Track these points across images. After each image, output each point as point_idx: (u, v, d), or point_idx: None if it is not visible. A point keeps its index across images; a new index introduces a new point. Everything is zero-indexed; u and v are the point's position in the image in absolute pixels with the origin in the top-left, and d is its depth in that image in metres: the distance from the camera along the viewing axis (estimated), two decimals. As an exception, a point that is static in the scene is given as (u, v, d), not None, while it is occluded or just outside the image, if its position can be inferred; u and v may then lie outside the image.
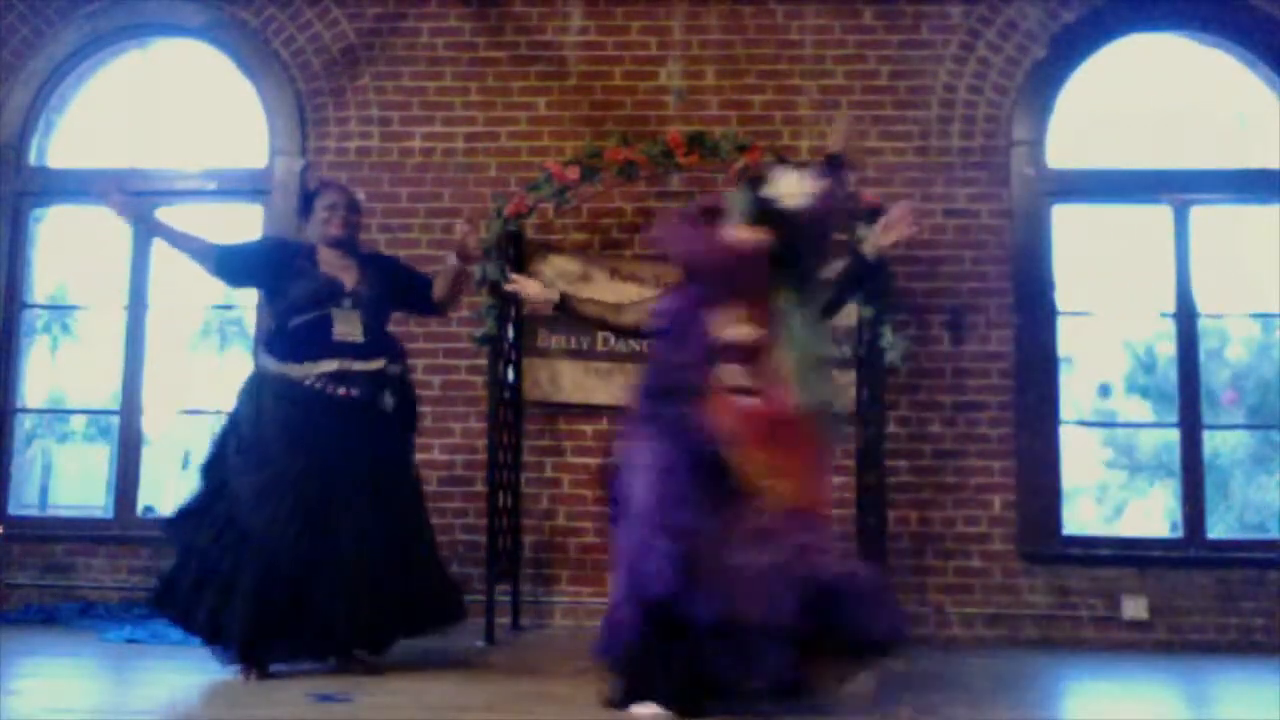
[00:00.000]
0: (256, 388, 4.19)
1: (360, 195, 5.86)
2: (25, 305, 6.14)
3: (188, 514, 4.13)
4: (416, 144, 5.97)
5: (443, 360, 5.81)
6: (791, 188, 3.73)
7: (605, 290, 5.57)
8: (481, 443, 5.46)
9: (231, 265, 4.36)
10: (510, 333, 5.36)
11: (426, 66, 6.01)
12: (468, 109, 5.97)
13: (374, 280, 4.34)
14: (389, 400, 4.23)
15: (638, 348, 5.40)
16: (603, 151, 5.16)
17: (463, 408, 5.76)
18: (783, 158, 5.18)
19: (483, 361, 5.46)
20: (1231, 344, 8.45)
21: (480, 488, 5.44)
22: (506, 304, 5.29)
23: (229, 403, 4.30)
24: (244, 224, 6.03)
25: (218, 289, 5.72)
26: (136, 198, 4.46)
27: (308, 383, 4.12)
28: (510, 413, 5.41)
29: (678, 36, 5.95)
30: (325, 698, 3.53)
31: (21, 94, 6.10)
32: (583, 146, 5.43)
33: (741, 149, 5.07)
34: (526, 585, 5.56)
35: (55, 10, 6.13)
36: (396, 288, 4.44)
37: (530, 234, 5.61)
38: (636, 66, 5.94)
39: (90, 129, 6.28)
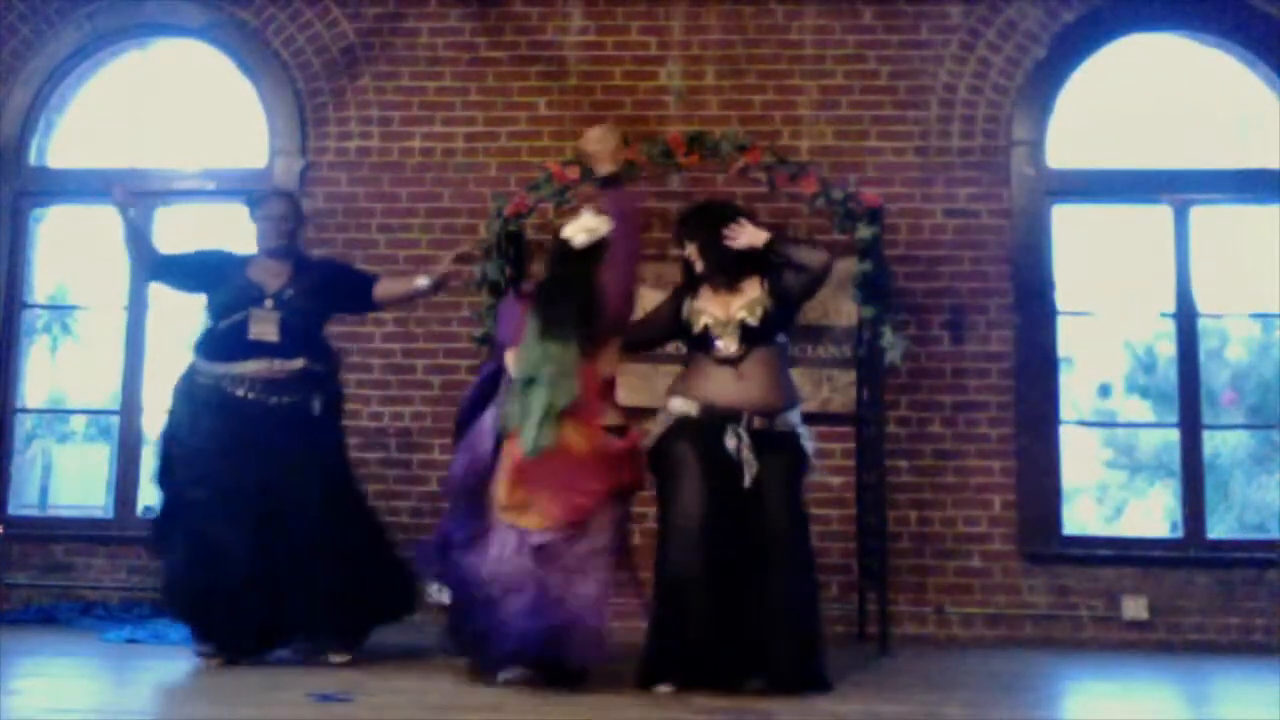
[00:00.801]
0: (189, 393, 4.36)
1: (360, 195, 5.93)
2: (25, 305, 6.14)
3: (162, 527, 4.36)
4: (416, 144, 5.97)
5: (443, 360, 5.81)
6: (579, 226, 3.98)
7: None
8: (481, 443, 5.45)
9: (167, 268, 4.57)
10: (510, 333, 5.35)
11: (426, 66, 6.01)
12: (468, 109, 5.97)
13: (306, 285, 4.46)
14: (317, 404, 4.39)
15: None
16: (603, 151, 5.14)
17: (463, 408, 5.76)
18: (784, 159, 5.19)
19: (483, 361, 5.45)
20: (1231, 344, 8.44)
21: (480, 488, 5.43)
22: (506, 304, 5.29)
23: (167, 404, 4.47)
24: (244, 224, 6.02)
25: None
26: (137, 197, 4.64)
27: (239, 392, 4.28)
28: (510, 413, 5.40)
29: (678, 36, 5.95)
30: (325, 697, 3.53)
31: (21, 94, 6.10)
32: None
33: (741, 149, 5.07)
34: (526, 585, 5.55)
35: (55, 10, 6.13)
36: (334, 289, 4.56)
37: (530, 234, 5.61)
38: (636, 66, 5.94)
39: (90, 129, 6.28)
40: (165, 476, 4.35)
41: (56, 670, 4.24)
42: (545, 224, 5.64)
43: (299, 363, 4.34)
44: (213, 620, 4.20)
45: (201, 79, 6.27)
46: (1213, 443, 6.66)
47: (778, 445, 3.86)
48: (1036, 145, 5.80)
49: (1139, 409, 8.42)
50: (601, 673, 3.97)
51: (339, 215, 5.94)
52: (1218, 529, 6.77)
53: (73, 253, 7.13)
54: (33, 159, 6.16)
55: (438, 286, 4.60)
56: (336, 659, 4.26)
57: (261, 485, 4.21)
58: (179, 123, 6.30)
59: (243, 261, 4.51)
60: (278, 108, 6.03)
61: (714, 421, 3.84)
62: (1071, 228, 5.95)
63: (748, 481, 3.78)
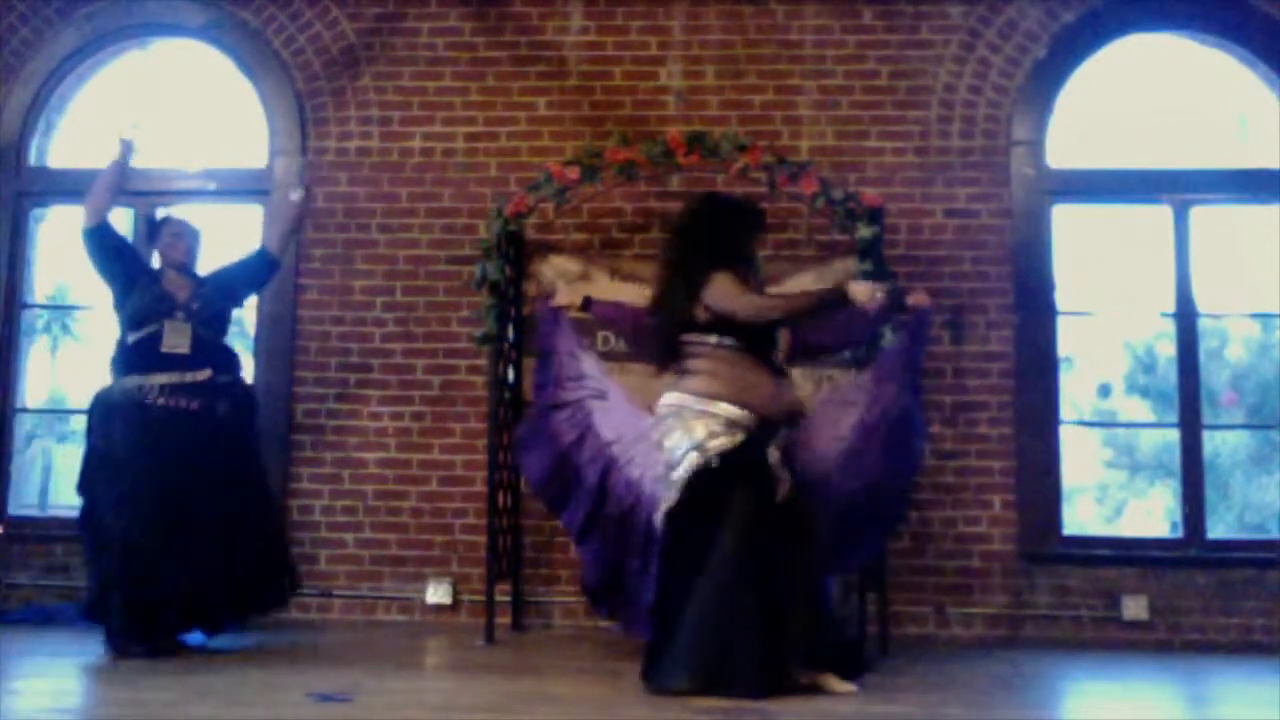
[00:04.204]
0: (105, 411, 4.64)
1: (360, 195, 5.93)
2: (25, 305, 6.14)
3: (83, 534, 4.67)
4: (416, 144, 5.97)
5: (443, 360, 5.81)
6: None
7: (605, 290, 5.58)
8: (481, 443, 5.46)
9: (108, 237, 4.78)
10: (510, 333, 5.36)
11: (426, 66, 6.01)
12: (468, 109, 5.97)
13: (210, 295, 4.79)
14: (222, 408, 4.69)
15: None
16: (603, 151, 5.16)
17: (463, 408, 5.77)
18: (784, 159, 5.19)
19: (483, 361, 5.46)
20: (1231, 344, 8.44)
21: (480, 488, 5.44)
22: (506, 304, 5.30)
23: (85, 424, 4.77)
24: (244, 224, 6.04)
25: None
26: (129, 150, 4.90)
27: (149, 400, 4.57)
28: (510, 413, 5.41)
29: (678, 36, 5.95)
30: (325, 698, 3.53)
31: (21, 94, 6.10)
32: (583, 146, 5.43)
33: (741, 149, 5.07)
34: (526, 585, 5.57)
35: (55, 10, 6.13)
36: (235, 282, 4.96)
37: (530, 234, 5.61)
38: (636, 66, 5.94)
39: (90, 129, 6.28)
40: (83, 488, 4.65)
41: (56, 670, 4.24)
42: (545, 224, 5.65)
43: (205, 373, 4.67)
44: (132, 620, 4.42)
45: (201, 79, 6.27)
46: (1213, 443, 6.68)
47: (791, 449, 3.91)
48: (1036, 145, 5.80)
49: (1139, 409, 8.44)
50: (601, 672, 3.98)
51: (339, 215, 5.94)
52: (1218, 529, 6.78)
53: (73, 253, 7.13)
54: (33, 159, 6.16)
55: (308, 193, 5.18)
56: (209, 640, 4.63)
57: (172, 486, 4.48)
58: (179, 123, 6.30)
59: (156, 273, 4.79)
60: (278, 108, 6.03)
61: (763, 435, 3.80)
62: (1071, 228, 5.95)
63: (781, 495, 3.79)
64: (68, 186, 6.16)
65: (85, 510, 4.63)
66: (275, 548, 4.88)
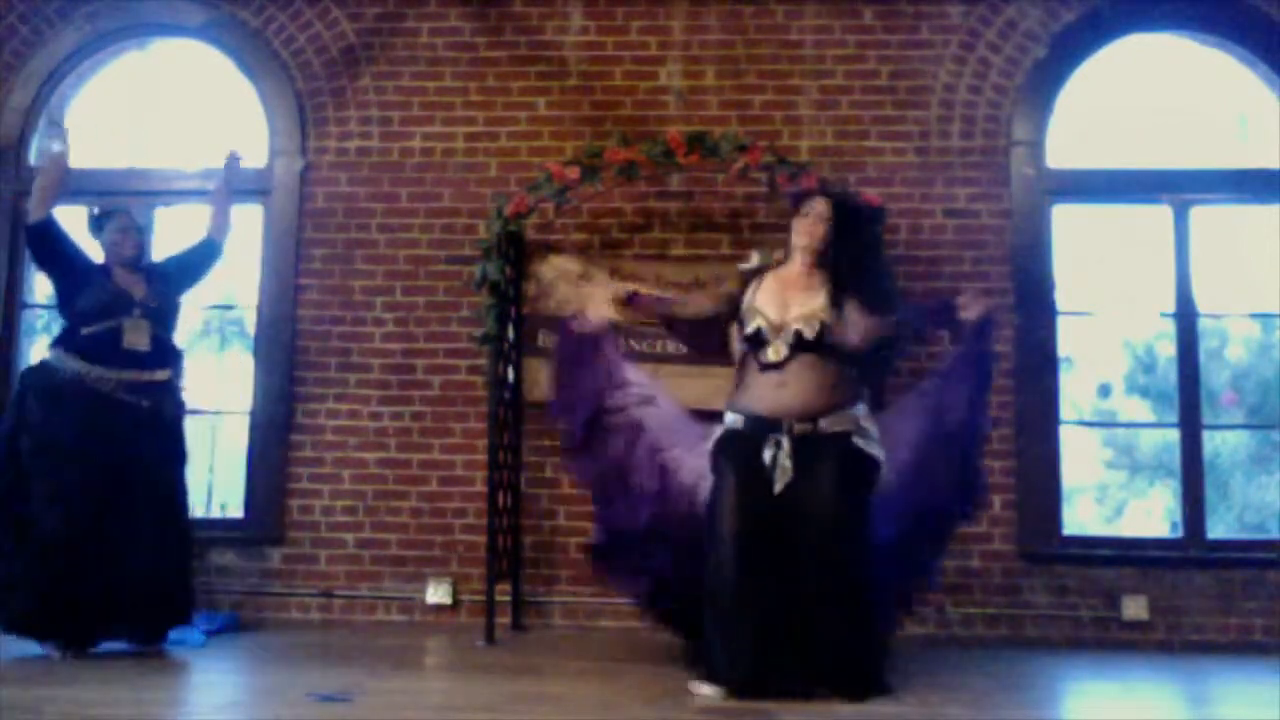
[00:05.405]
0: (49, 386, 4.53)
1: (360, 195, 5.93)
2: (25, 305, 6.14)
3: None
4: (416, 144, 5.97)
5: (443, 360, 5.81)
6: None
7: (606, 290, 5.58)
8: (481, 443, 5.47)
9: (54, 234, 4.68)
10: (510, 333, 5.36)
11: (426, 66, 6.01)
12: (468, 109, 5.97)
13: (161, 290, 4.75)
14: (170, 410, 4.69)
15: (639, 348, 5.40)
16: (603, 151, 5.16)
17: (463, 408, 5.76)
18: (784, 159, 5.19)
19: (483, 361, 5.46)
20: (1231, 344, 8.43)
21: (480, 488, 5.44)
22: (506, 304, 5.30)
23: (13, 394, 4.68)
24: (244, 224, 6.01)
25: (217, 289, 5.74)
26: (61, 147, 4.86)
27: (104, 388, 4.51)
28: (510, 413, 5.41)
29: (678, 36, 5.95)
30: (325, 698, 3.53)
31: (21, 94, 6.10)
32: (583, 146, 5.44)
33: (741, 149, 5.07)
34: (526, 585, 5.57)
35: (55, 10, 6.13)
36: (182, 274, 4.92)
37: (530, 234, 5.61)
38: (636, 66, 5.94)
39: (90, 129, 6.27)
40: (5, 465, 4.49)
41: (56, 670, 4.23)
42: (545, 224, 5.65)
43: (164, 374, 4.64)
44: (48, 615, 4.36)
45: (201, 79, 6.26)
46: (1213, 443, 6.67)
47: (824, 448, 3.79)
48: (1036, 145, 5.80)
49: (1139, 409, 8.43)
50: (601, 672, 3.97)
51: (339, 215, 5.94)
52: (1218, 529, 6.77)
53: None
54: (33, 159, 6.15)
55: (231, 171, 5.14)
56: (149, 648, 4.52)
57: (112, 484, 4.42)
58: (179, 123, 6.30)
59: (105, 269, 4.72)
60: (278, 108, 6.03)
61: (757, 432, 3.82)
62: (1071, 228, 5.95)
63: (777, 489, 3.74)
64: (68, 186, 6.15)
65: (4, 493, 4.46)
66: (185, 566, 4.71)
